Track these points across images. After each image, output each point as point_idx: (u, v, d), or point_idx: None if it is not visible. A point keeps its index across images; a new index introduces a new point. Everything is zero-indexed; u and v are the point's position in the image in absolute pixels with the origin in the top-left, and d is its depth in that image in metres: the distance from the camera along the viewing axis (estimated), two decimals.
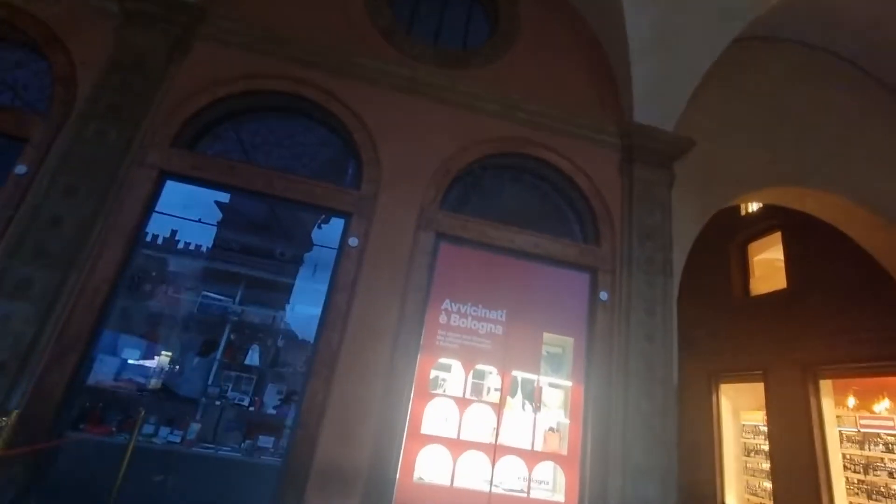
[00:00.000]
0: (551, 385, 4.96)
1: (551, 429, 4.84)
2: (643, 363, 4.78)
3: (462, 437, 4.47)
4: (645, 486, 4.41)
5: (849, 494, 6.89)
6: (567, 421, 4.77)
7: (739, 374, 9.08)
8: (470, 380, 4.65)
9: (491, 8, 6.24)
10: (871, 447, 6.79)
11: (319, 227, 6.56)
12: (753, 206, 9.73)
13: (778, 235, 9.02)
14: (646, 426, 4.59)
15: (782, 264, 8.76)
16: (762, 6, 5.47)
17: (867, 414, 7.06)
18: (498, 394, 4.67)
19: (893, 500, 6.38)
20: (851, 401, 7.34)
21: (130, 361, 4.71)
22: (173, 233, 6.32)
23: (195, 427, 4.30)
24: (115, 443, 3.92)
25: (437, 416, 4.53)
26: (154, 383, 4.80)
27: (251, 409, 4.69)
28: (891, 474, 6.49)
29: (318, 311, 4.54)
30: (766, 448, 8.21)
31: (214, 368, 5.02)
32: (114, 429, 4.14)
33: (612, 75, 6.02)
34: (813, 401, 7.46)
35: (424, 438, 4.39)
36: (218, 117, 4.97)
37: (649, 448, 4.53)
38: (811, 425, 7.31)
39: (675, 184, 5.59)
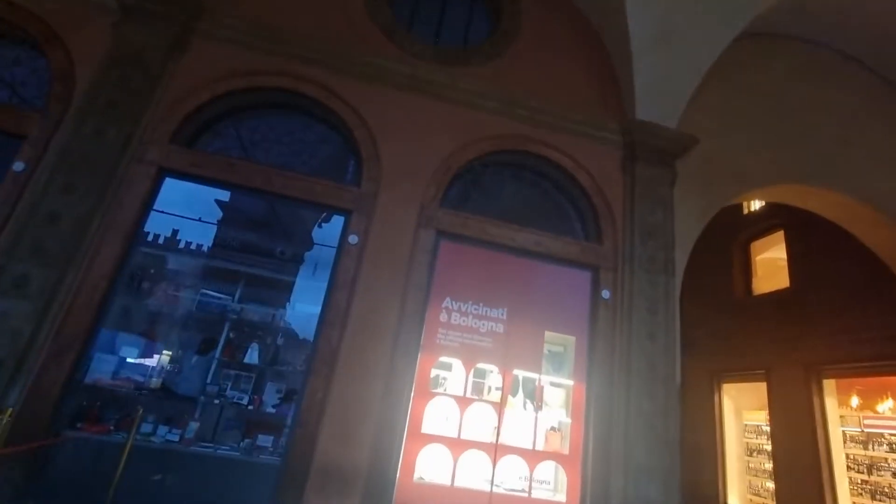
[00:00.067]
0: (553, 384, 4.92)
1: (553, 428, 4.80)
2: (645, 362, 4.75)
3: (463, 437, 4.43)
4: (647, 486, 4.38)
5: (852, 495, 6.84)
6: (569, 420, 4.74)
7: (742, 373, 9.04)
8: (471, 379, 4.62)
9: (492, 5, 6.22)
10: (875, 447, 6.74)
11: (320, 226, 6.53)
12: (756, 205, 9.69)
13: (780, 234, 8.98)
14: (648, 425, 4.55)
15: (785, 263, 8.72)
16: (763, 3, 5.44)
17: (871, 414, 7.01)
18: (499, 393, 4.64)
19: None
20: (855, 400, 7.30)
21: (129, 360, 4.68)
22: (174, 232, 6.30)
23: (194, 426, 4.27)
24: (113, 441, 3.88)
25: (437, 416, 4.50)
26: (152, 382, 4.77)
27: (250, 407, 4.66)
28: (895, 474, 6.44)
29: (318, 309, 4.51)
30: (769, 448, 8.16)
31: (213, 367, 4.99)
32: (112, 427, 4.11)
33: (613, 72, 5.99)
34: (816, 400, 7.41)
35: (425, 438, 4.36)
36: (217, 114, 4.96)
37: (651, 448, 4.50)
38: (814, 425, 7.26)
39: (676, 182, 5.56)
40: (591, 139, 5.61)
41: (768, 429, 8.26)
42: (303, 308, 5.65)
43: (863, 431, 6.94)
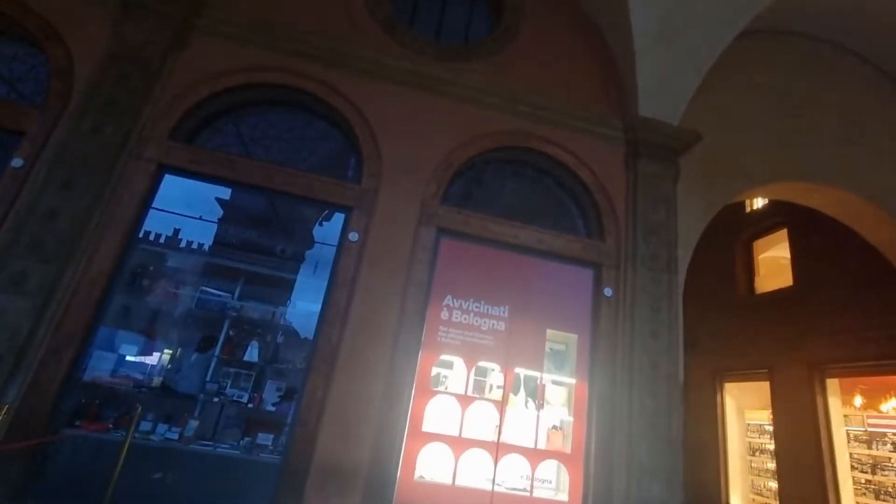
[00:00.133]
0: (555, 382, 4.89)
1: (555, 427, 4.77)
2: (648, 360, 4.71)
3: (464, 435, 4.40)
4: (650, 485, 4.34)
5: (856, 494, 6.81)
6: (571, 419, 4.70)
7: (744, 372, 9.00)
8: (472, 377, 4.59)
9: (492, 4, 6.18)
10: (879, 447, 6.70)
11: (321, 224, 6.50)
12: (758, 203, 9.65)
13: (784, 233, 8.94)
14: (651, 424, 4.51)
15: (788, 262, 8.68)
16: (765, 1, 5.40)
17: (875, 413, 6.97)
18: (500, 391, 4.60)
19: None
20: (858, 400, 7.26)
21: (128, 357, 4.65)
22: (176, 231, 6.28)
23: (193, 424, 4.25)
24: (112, 439, 3.85)
25: (438, 414, 4.47)
26: (152, 380, 4.74)
27: (250, 405, 4.63)
28: None
29: (318, 307, 4.47)
30: (772, 447, 8.13)
31: (213, 365, 4.96)
32: (110, 425, 4.08)
33: (615, 69, 5.95)
34: (819, 400, 7.38)
35: (426, 436, 4.33)
36: (217, 111, 4.93)
37: (654, 447, 4.46)
38: (817, 424, 7.23)
39: (679, 179, 5.52)
40: (593, 136, 5.57)
41: (771, 428, 8.22)
42: (303, 306, 5.62)
43: (866, 431, 6.91)
